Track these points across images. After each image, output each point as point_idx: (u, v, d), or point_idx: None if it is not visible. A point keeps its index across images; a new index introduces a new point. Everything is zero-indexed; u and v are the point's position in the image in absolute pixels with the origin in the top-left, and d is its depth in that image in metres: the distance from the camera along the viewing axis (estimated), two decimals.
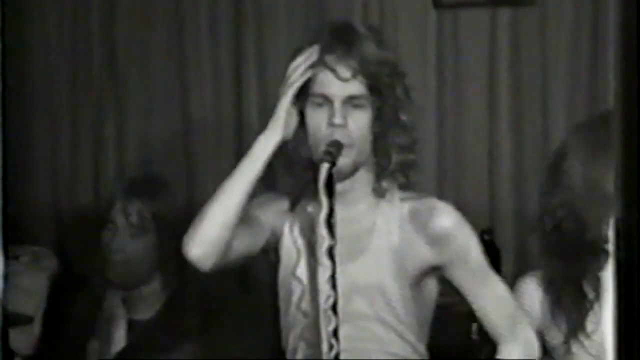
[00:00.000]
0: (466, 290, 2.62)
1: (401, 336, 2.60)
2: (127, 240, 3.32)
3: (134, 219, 3.32)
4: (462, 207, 4.03)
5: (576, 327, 2.71)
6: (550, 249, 2.75)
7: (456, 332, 3.66)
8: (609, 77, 4.12)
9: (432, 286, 2.64)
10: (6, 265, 3.69)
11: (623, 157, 1.46)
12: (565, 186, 2.71)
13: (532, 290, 2.79)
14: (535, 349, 2.66)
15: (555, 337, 2.75)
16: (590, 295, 2.71)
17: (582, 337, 2.71)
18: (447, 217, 2.60)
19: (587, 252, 2.70)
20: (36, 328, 3.62)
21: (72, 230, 4.19)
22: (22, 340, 3.59)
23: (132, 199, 3.34)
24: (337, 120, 2.49)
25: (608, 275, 2.69)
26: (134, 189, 3.38)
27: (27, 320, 3.57)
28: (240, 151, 4.15)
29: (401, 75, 2.58)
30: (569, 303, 2.73)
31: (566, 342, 2.73)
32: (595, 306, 2.71)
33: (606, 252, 2.69)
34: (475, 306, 2.63)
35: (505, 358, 2.62)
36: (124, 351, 3.34)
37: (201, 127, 4.27)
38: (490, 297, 2.63)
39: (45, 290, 3.68)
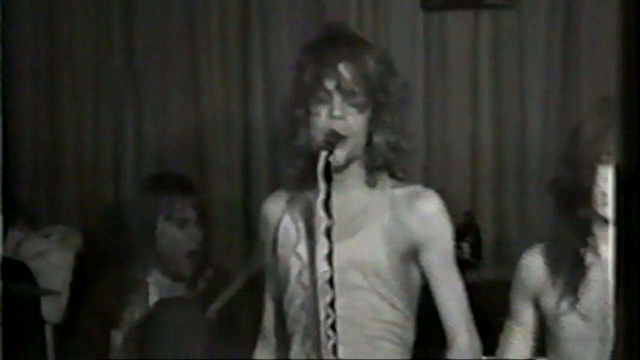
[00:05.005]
0: (433, 276, 2.62)
1: (393, 305, 2.61)
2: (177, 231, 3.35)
3: (195, 211, 3.37)
4: (448, 192, 4.16)
5: (569, 289, 2.72)
6: (554, 213, 2.77)
7: None
8: (581, 73, 4.11)
9: (416, 274, 2.65)
10: (38, 243, 3.81)
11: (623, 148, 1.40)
12: (571, 149, 2.74)
13: (534, 261, 2.81)
14: (478, 348, 2.66)
15: (550, 302, 2.77)
16: (587, 259, 2.74)
17: (573, 298, 2.72)
18: (432, 203, 2.60)
19: (585, 217, 2.72)
20: (64, 299, 3.70)
21: (94, 214, 4.25)
22: (52, 310, 3.68)
23: (189, 194, 3.39)
24: (337, 112, 2.53)
25: (605, 241, 2.73)
26: (188, 188, 3.43)
27: (56, 292, 3.63)
28: (247, 145, 4.30)
29: (395, 77, 2.61)
30: (566, 267, 2.74)
31: (558, 303, 2.74)
32: (590, 270, 2.73)
33: (604, 219, 2.71)
34: (436, 294, 2.62)
35: (459, 349, 2.60)
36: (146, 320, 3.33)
37: (211, 125, 4.33)
38: (451, 288, 2.63)
39: (72, 265, 3.75)
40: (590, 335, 2.69)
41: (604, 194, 2.69)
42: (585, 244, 2.75)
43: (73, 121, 4.40)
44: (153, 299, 3.35)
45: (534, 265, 2.81)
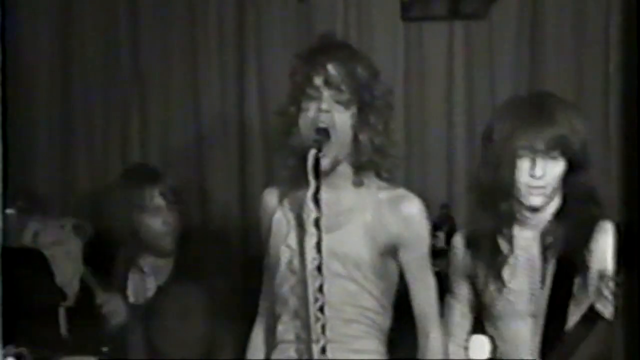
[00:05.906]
0: (409, 273, 2.74)
1: (370, 293, 2.69)
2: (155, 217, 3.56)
3: (164, 198, 3.56)
4: (426, 186, 4.24)
5: (493, 277, 2.83)
6: (473, 207, 2.90)
7: None
8: (546, 77, 4.17)
9: (394, 268, 2.76)
10: (53, 233, 3.95)
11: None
12: (488, 149, 2.84)
13: (457, 244, 2.95)
14: (447, 343, 2.80)
15: (479, 283, 2.89)
16: (505, 249, 2.86)
17: (499, 286, 2.83)
18: (414, 207, 2.72)
19: (501, 211, 2.83)
20: (75, 283, 3.75)
21: (103, 207, 4.26)
22: (65, 294, 3.74)
23: (156, 183, 3.56)
24: (324, 106, 2.61)
25: (521, 234, 2.84)
26: (154, 178, 3.59)
27: (69, 278, 3.71)
28: (242, 142, 4.41)
29: (380, 84, 2.71)
30: (486, 254, 2.85)
31: (486, 285, 2.86)
32: (510, 259, 2.85)
33: (528, 207, 2.81)
34: (411, 289, 2.75)
35: (433, 344, 2.74)
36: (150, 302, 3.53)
37: (209, 123, 4.42)
38: (425, 286, 2.75)
39: (82, 253, 3.82)
40: (522, 313, 2.81)
41: (527, 185, 2.78)
42: (501, 233, 2.85)
43: (83, 129, 4.52)
44: (149, 280, 3.54)
45: (457, 246, 2.94)
